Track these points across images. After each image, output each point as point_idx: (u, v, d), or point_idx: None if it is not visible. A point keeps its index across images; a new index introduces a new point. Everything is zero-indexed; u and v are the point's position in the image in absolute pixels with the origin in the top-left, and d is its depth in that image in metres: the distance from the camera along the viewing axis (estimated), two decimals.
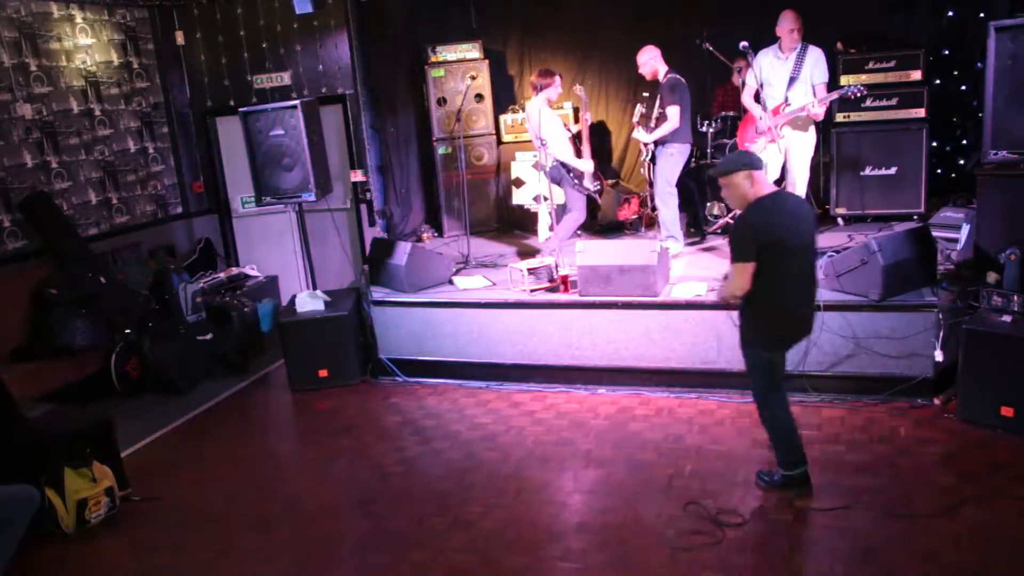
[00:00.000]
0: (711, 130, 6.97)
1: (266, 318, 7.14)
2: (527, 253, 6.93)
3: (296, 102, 6.05)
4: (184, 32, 7.93)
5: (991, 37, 4.64)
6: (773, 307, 3.82)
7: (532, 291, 5.78)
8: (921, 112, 6.56)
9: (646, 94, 7.21)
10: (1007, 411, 4.39)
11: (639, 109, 6.82)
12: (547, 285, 5.83)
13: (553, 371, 5.72)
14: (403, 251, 6.10)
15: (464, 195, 7.27)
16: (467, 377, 5.92)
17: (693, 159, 6.86)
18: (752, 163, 3.78)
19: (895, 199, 6.69)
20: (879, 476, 4.12)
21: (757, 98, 5.90)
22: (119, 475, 4.50)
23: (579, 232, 6.89)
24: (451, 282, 6.28)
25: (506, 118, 8.07)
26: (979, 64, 6.08)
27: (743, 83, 6.25)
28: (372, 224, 7.85)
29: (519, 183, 7.73)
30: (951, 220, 6.07)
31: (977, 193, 5.16)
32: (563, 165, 6.41)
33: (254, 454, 5.20)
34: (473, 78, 7.80)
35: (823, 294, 5.06)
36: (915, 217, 6.60)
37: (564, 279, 5.74)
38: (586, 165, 6.51)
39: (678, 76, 6.20)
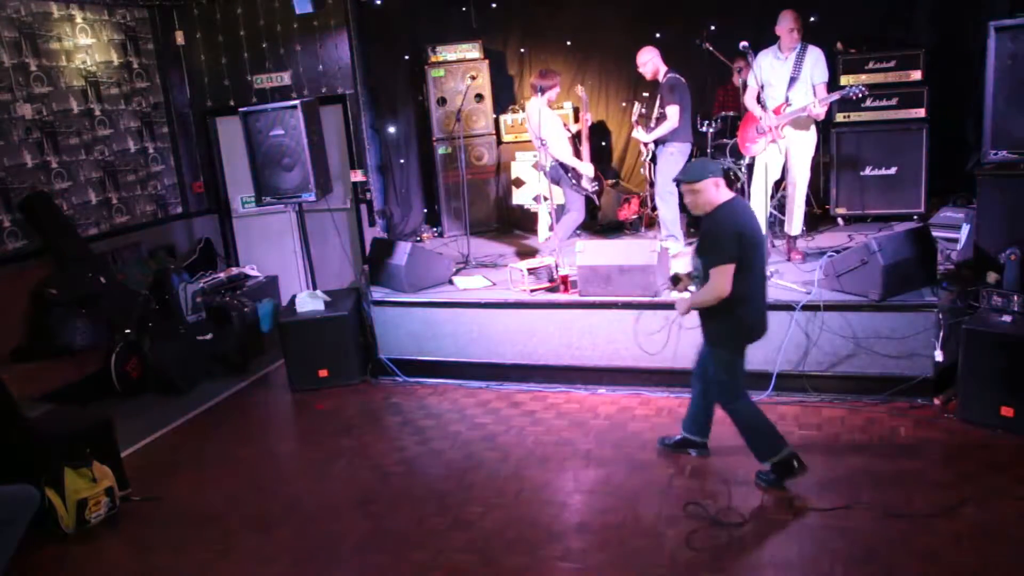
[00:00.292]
0: (711, 130, 6.97)
1: (266, 318, 7.14)
2: (527, 253, 6.93)
3: (296, 102, 6.05)
4: (184, 32, 7.93)
5: (991, 37, 4.64)
6: (747, 306, 3.91)
7: (532, 291, 5.78)
8: (921, 112, 6.57)
9: (646, 94, 7.22)
10: (1007, 411, 4.38)
11: (638, 108, 6.83)
12: (547, 285, 5.83)
13: (553, 371, 5.72)
14: (403, 251, 6.10)
15: (464, 195, 7.27)
16: (467, 377, 5.93)
17: (693, 159, 6.85)
18: (719, 171, 3.94)
19: (895, 199, 6.69)
20: (879, 476, 4.12)
21: (758, 99, 5.89)
22: (119, 475, 4.50)
23: (579, 232, 6.89)
24: (451, 282, 6.28)
25: (506, 118, 8.07)
26: (979, 64, 6.07)
27: (743, 83, 6.25)
28: (372, 224, 7.86)
29: (519, 183, 7.73)
30: (951, 220, 6.07)
31: (977, 193, 5.16)
32: (562, 165, 6.41)
33: (254, 454, 5.20)
34: (473, 78, 7.80)
35: (823, 294, 5.07)
36: (915, 217, 6.61)
37: (564, 279, 5.74)
38: (586, 168, 6.52)
39: (678, 76, 6.20)
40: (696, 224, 6.97)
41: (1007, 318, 4.50)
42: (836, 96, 5.72)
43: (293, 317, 6.09)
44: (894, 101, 6.62)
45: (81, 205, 6.99)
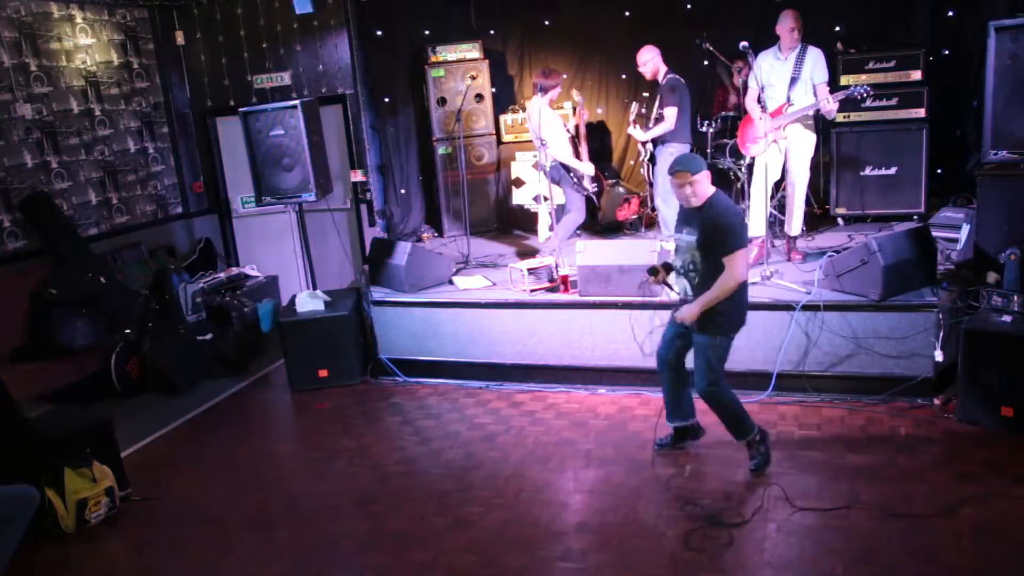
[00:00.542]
0: (711, 130, 6.97)
1: (266, 318, 7.14)
2: (527, 253, 6.93)
3: (296, 102, 6.05)
4: (184, 32, 7.93)
5: (991, 37, 4.64)
6: (744, 289, 4.09)
7: (532, 291, 5.78)
8: (921, 112, 6.56)
9: (646, 94, 7.22)
10: (1007, 411, 4.38)
11: (636, 108, 6.82)
12: (547, 285, 5.83)
13: (553, 371, 5.72)
14: (403, 251, 6.10)
15: (464, 195, 7.27)
16: (467, 377, 5.93)
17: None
18: (707, 166, 4.08)
19: (895, 199, 6.69)
20: (879, 476, 4.12)
21: (758, 99, 5.90)
22: (119, 475, 4.50)
23: (579, 232, 6.89)
24: (451, 282, 6.28)
25: (506, 118, 8.07)
26: (979, 64, 6.07)
27: (743, 83, 6.25)
28: (372, 224, 7.86)
29: (519, 183, 7.73)
30: (951, 220, 6.07)
31: (977, 193, 5.15)
32: (563, 165, 6.41)
33: (254, 454, 5.20)
34: (473, 78, 7.80)
35: (823, 294, 5.07)
36: (915, 217, 6.60)
37: (564, 279, 5.75)
38: (587, 168, 6.52)
39: (678, 77, 6.20)
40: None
41: (1007, 318, 4.50)
42: (843, 95, 5.73)
43: (293, 317, 6.09)
44: (894, 101, 6.62)
45: (81, 205, 7.00)
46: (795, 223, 6.09)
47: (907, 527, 3.66)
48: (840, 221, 6.89)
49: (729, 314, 4.07)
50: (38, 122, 6.60)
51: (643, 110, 6.83)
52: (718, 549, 3.62)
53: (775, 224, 6.54)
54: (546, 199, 6.61)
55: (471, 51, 7.88)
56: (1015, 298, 4.53)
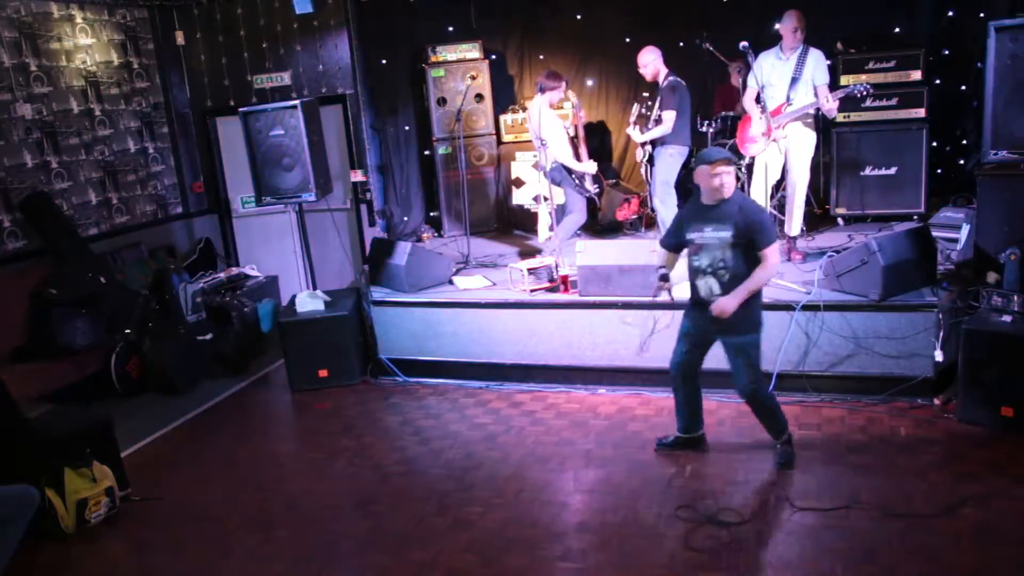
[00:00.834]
0: (711, 130, 6.97)
1: (266, 318, 7.14)
2: (527, 253, 6.93)
3: (296, 102, 6.04)
4: (184, 32, 7.93)
5: (991, 37, 4.64)
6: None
7: (532, 291, 5.78)
8: (921, 112, 6.56)
9: (646, 94, 7.21)
10: (1007, 411, 4.38)
11: (636, 109, 6.82)
12: (547, 285, 5.83)
13: (553, 371, 5.72)
14: (403, 251, 6.10)
15: (464, 195, 7.27)
16: (467, 377, 5.93)
17: (692, 159, 6.85)
18: None
19: (895, 199, 6.69)
20: (879, 476, 4.12)
21: (757, 99, 5.90)
22: (119, 475, 4.50)
23: (579, 232, 6.89)
24: (451, 282, 6.28)
25: (506, 118, 8.07)
26: (979, 64, 6.07)
27: (742, 83, 6.24)
28: (372, 224, 7.86)
29: (519, 183, 7.73)
30: (951, 220, 6.07)
31: (977, 193, 5.15)
32: (564, 167, 6.41)
33: (254, 454, 5.20)
34: (473, 78, 7.80)
35: (823, 294, 5.07)
36: (915, 217, 6.60)
37: (564, 279, 5.75)
38: (588, 167, 6.52)
39: (679, 79, 6.19)
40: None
41: (1007, 318, 4.50)
42: (843, 93, 5.73)
43: (293, 317, 6.09)
44: (894, 101, 6.61)
45: (81, 205, 7.00)
46: (795, 223, 6.09)
47: (907, 527, 3.66)
48: (840, 221, 6.89)
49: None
50: (38, 122, 6.60)
51: (643, 110, 6.83)
52: (718, 549, 3.62)
53: (775, 224, 6.53)
54: (546, 199, 6.61)
55: (471, 51, 7.88)
56: (1015, 298, 4.53)
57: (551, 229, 6.54)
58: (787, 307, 5.04)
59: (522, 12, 8.12)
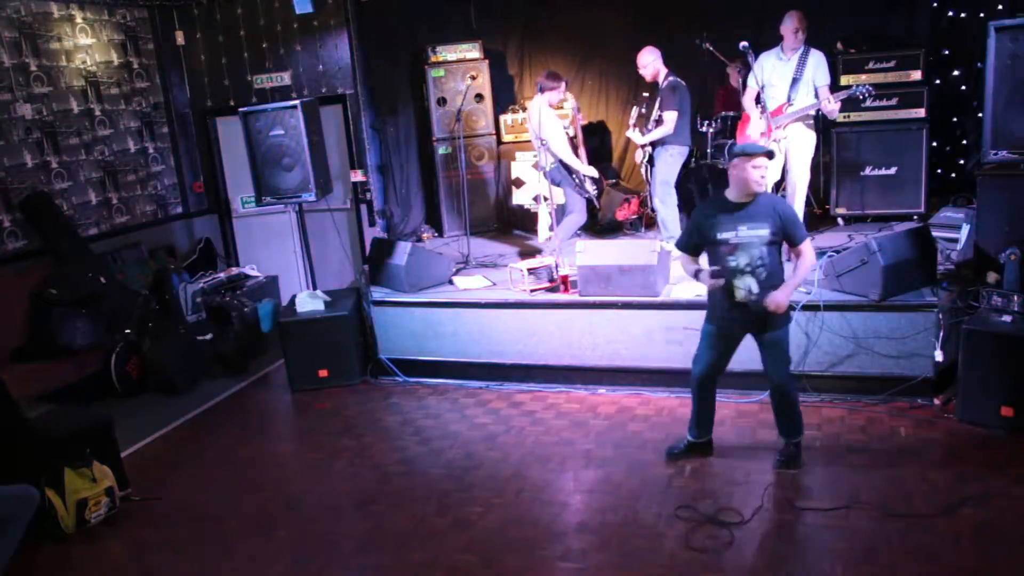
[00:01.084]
0: (711, 130, 6.97)
1: (266, 318, 7.14)
2: (527, 253, 6.93)
3: (296, 102, 6.04)
4: (184, 32, 7.93)
5: (991, 37, 4.64)
6: None
7: (532, 291, 5.78)
8: (921, 112, 6.56)
9: (646, 94, 7.21)
10: (1007, 411, 4.38)
11: (636, 111, 6.82)
12: (547, 285, 5.83)
13: (553, 371, 5.72)
14: (403, 251, 6.10)
15: (464, 195, 7.27)
16: (467, 377, 5.93)
17: (692, 159, 6.87)
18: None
19: (895, 199, 6.68)
20: (879, 476, 4.12)
21: (758, 99, 5.90)
22: (119, 475, 4.50)
23: (579, 232, 6.89)
24: (451, 282, 6.28)
25: (506, 118, 8.07)
26: (979, 64, 6.07)
27: (742, 83, 6.24)
28: (372, 224, 7.86)
29: (519, 183, 7.73)
30: (951, 220, 6.06)
31: (977, 193, 5.15)
32: (564, 166, 6.41)
33: (254, 454, 5.20)
34: (473, 78, 7.80)
35: (823, 294, 5.07)
36: (915, 217, 6.60)
37: (564, 279, 5.74)
38: (589, 169, 6.53)
39: (679, 79, 6.19)
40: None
41: (1007, 318, 4.50)
42: (844, 95, 5.73)
43: (293, 317, 6.09)
44: (894, 101, 6.61)
45: (81, 205, 7.00)
46: None
47: (907, 527, 3.66)
48: (840, 221, 6.88)
49: None
50: (38, 122, 6.60)
51: (643, 110, 6.83)
52: (718, 549, 3.62)
53: None
54: (546, 199, 6.61)
55: (471, 51, 7.88)
56: (1015, 298, 4.53)
57: (551, 229, 6.54)
58: (791, 307, 5.03)
59: (522, 12, 8.13)
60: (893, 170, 6.65)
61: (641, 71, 6.35)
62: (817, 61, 5.80)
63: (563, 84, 6.51)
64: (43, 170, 6.64)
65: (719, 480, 4.24)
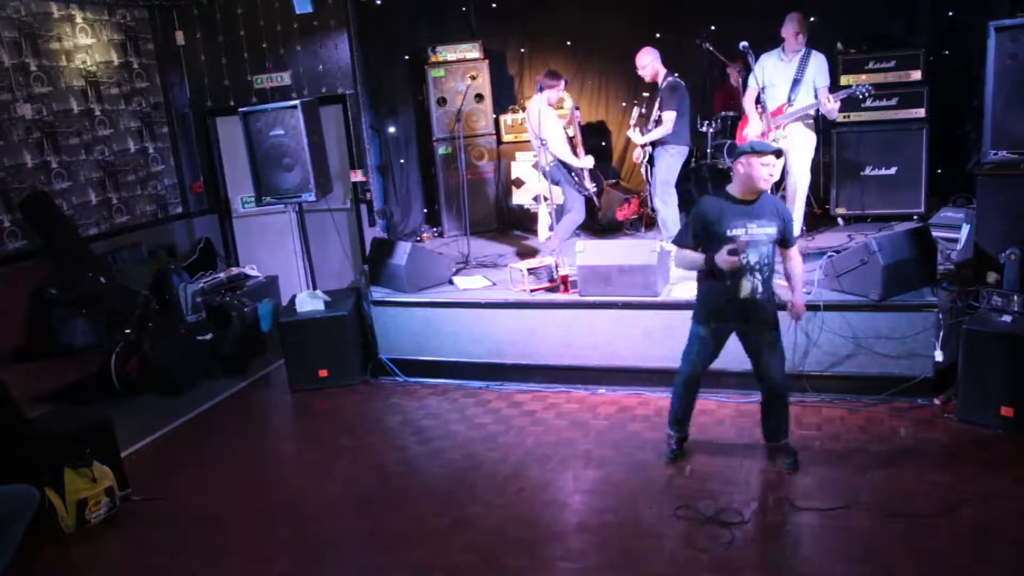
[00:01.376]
0: (711, 130, 6.97)
1: (266, 318, 7.13)
2: (527, 253, 6.93)
3: (296, 102, 6.04)
4: (184, 32, 7.94)
5: (991, 37, 4.63)
6: None
7: (532, 291, 5.78)
8: (921, 112, 6.56)
9: (646, 94, 7.22)
10: (1007, 411, 4.39)
11: (636, 112, 6.82)
12: (547, 285, 5.83)
13: (553, 371, 5.72)
14: (403, 251, 6.10)
15: (464, 195, 7.27)
16: (467, 377, 5.92)
17: (692, 159, 6.87)
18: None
19: (895, 199, 6.69)
20: (879, 476, 4.12)
21: (758, 99, 5.90)
22: (119, 475, 4.50)
23: (579, 232, 6.89)
24: (451, 282, 6.28)
25: (506, 118, 8.07)
26: (979, 64, 6.07)
27: (742, 84, 6.24)
28: (372, 224, 7.86)
29: (519, 183, 7.73)
30: (951, 220, 6.06)
31: (977, 193, 5.15)
32: (563, 165, 6.41)
33: (254, 454, 5.20)
34: (473, 78, 7.80)
35: (823, 294, 5.07)
36: (915, 217, 6.60)
37: (564, 279, 5.75)
38: (586, 162, 6.52)
39: (678, 79, 6.19)
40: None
41: (1007, 318, 4.50)
42: (844, 94, 5.73)
43: (293, 317, 6.09)
44: (894, 101, 6.61)
45: (81, 205, 7.00)
46: (795, 224, 6.08)
47: (907, 527, 3.66)
48: (840, 221, 6.89)
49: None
50: (38, 122, 6.60)
51: (644, 110, 6.83)
52: (718, 549, 3.62)
53: None
54: (546, 199, 6.61)
55: (471, 51, 7.89)
56: (1015, 298, 4.53)
57: (551, 229, 6.54)
58: (786, 307, 5.03)
59: (522, 12, 8.12)
60: (893, 170, 6.66)
61: (640, 71, 6.35)
62: (818, 63, 5.81)
63: (562, 82, 6.51)
64: (43, 170, 6.64)
65: (719, 480, 4.23)
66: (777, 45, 5.95)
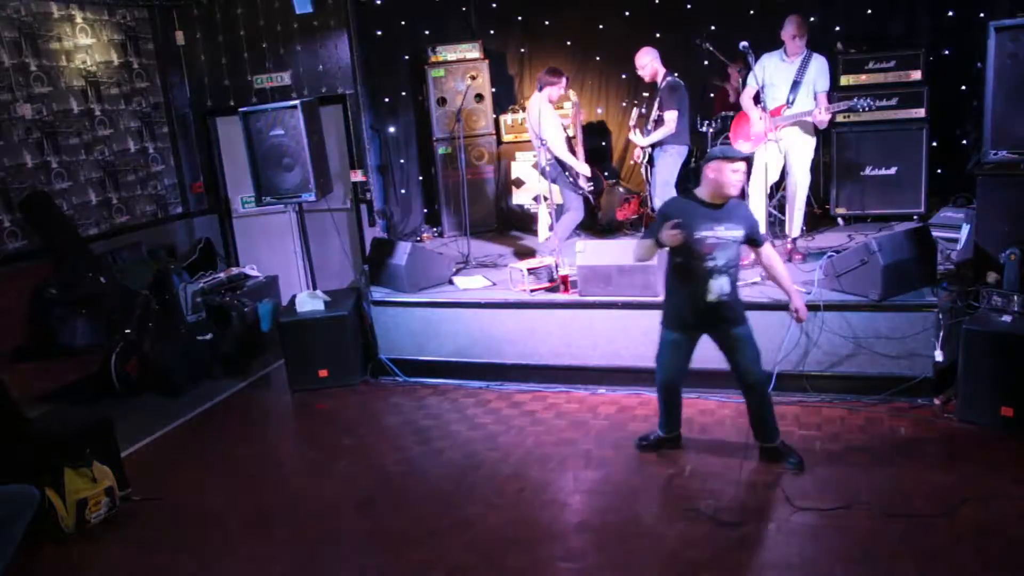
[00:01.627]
0: (711, 130, 6.97)
1: (266, 318, 7.14)
2: (527, 253, 6.93)
3: (296, 102, 6.04)
4: (184, 32, 7.93)
5: (991, 37, 4.63)
6: None
7: (532, 291, 5.78)
8: (921, 112, 6.57)
9: (646, 94, 7.22)
10: (1007, 411, 4.39)
11: (636, 113, 6.82)
12: (547, 285, 5.83)
13: (553, 371, 5.72)
14: (403, 251, 6.10)
15: (464, 195, 7.27)
16: (467, 377, 5.92)
17: (692, 159, 6.86)
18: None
19: (895, 199, 6.69)
20: (879, 476, 4.12)
21: (757, 98, 5.90)
22: (119, 475, 4.50)
23: (579, 232, 6.89)
24: (451, 282, 6.28)
25: (506, 118, 8.07)
26: (979, 64, 6.07)
27: (742, 83, 6.24)
28: (372, 224, 7.86)
29: (519, 183, 7.73)
30: (951, 220, 6.07)
31: (977, 193, 5.15)
32: (560, 164, 6.40)
33: (254, 454, 5.20)
34: (473, 78, 7.80)
35: (823, 294, 5.07)
36: (915, 217, 6.61)
37: (564, 279, 5.75)
38: (582, 167, 6.52)
39: (678, 79, 6.19)
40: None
41: (1007, 318, 4.50)
42: (844, 106, 5.73)
43: (293, 317, 6.09)
44: (894, 101, 6.61)
45: (81, 205, 7.00)
46: (795, 224, 6.09)
47: (907, 527, 3.66)
48: (840, 221, 6.89)
49: None
50: (38, 122, 6.60)
51: (642, 110, 6.83)
52: (718, 549, 3.62)
53: (775, 224, 6.54)
54: (546, 199, 6.61)
55: (471, 51, 7.88)
56: (1015, 298, 4.54)
57: (551, 229, 6.54)
58: (787, 307, 5.02)
59: (522, 12, 8.12)
60: (893, 170, 6.66)
61: (639, 71, 6.35)
62: (820, 66, 5.81)
63: (564, 80, 6.48)
64: (43, 170, 6.63)
65: (719, 480, 4.23)
66: (778, 46, 5.95)
